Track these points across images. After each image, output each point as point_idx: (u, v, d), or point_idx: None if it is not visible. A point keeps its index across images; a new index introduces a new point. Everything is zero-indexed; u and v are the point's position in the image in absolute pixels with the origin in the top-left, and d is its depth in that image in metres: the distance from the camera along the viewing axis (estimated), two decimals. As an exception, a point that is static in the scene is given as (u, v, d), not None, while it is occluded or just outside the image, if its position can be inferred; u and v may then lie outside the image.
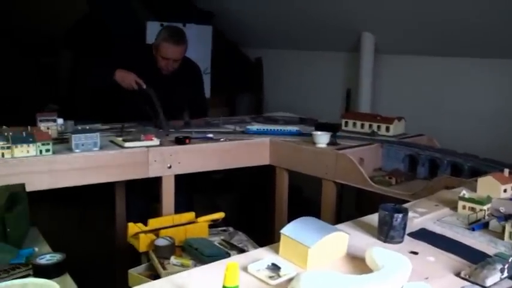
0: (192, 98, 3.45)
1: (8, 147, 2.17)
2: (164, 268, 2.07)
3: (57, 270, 1.63)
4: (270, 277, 1.22)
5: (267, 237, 2.83)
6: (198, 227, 2.41)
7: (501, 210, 1.68)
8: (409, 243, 1.45)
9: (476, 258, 1.31)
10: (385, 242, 1.44)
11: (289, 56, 4.87)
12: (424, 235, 1.51)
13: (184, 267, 2.03)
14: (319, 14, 4.05)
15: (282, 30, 4.63)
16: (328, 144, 2.69)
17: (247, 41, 5.20)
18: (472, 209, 1.66)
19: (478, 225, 1.57)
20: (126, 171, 2.46)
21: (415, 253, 1.38)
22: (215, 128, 3.15)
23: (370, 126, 3.02)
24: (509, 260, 1.24)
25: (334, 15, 3.97)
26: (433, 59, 3.68)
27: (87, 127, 2.56)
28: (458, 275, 1.25)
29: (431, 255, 1.37)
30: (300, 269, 1.25)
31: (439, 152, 2.58)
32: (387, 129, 2.97)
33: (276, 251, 1.35)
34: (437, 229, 1.57)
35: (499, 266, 1.22)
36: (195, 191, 3.56)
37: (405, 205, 1.72)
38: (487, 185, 1.81)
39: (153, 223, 2.38)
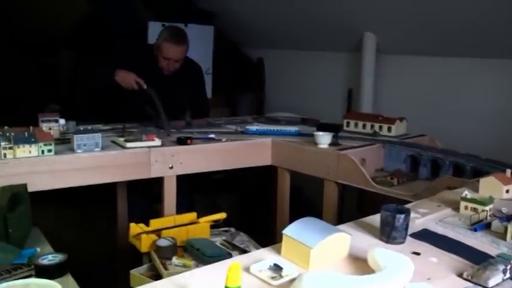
0: (194, 98, 3.45)
1: (10, 148, 2.17)
2: (166, 268, 2.07)
3: (59, 270, 1.63)
4: (272, 277, 1.22)
5: (269, 237, 2.82)
6: (200, 227, 2.41)
7: (503, 211, 1.68)
8: (411, 243, 1.45)
9: (479, 259, 1.31)
10: (387, 242, 1.44)
11: (291, 56, 4.87)
12: (426, 236, 1.51)
13: (186, 267, 2.03)
14: (321, 14, 4.05)
15: (283, 30, 4.63)
16: (330, 144, 2.69)
17: (249, 41, 5.20)
18: (474, 209, 1.66)
19: (480, 225, 1.57)
20: (127, 172, 2.46)
21: (417, 254, 1.38)
22: (217, 128, 3.15)
23: (372, 126, 3.02)
24: (512, 261, 1.24)
25: (335, 15, 3.97)
26: (435, 59, 3.67)
27: (89, 127, 2.56)
28: (460, 275, 1.25)
29: (433, 255, 1.37)
30: (302, 270, 1.25)
31: (441, 153, 2.58)
32: (389, 129, 2.97)
33: (278, 252, 1.35)
34: (440, 230, 1.57)
35: (501, 267, 1.22)
36: (196, 191, 3.56)
37: (407, 206, 1.72)
38: (489, 185, 1.81)
39: (155, 223, 2.39)
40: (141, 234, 2.29)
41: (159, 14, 4.80)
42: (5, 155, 2.16)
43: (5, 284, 1.27)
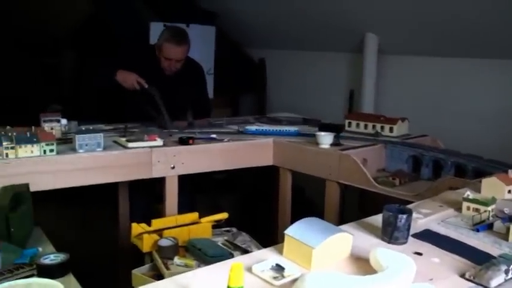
0: (196, 99, 3.45)
1: (12, 148, 2.17)
2: (168, 268, 2.07)
3: (61, 270, 1.63)
4: (274, 278, 1.22)
5: (270, 237, 2.83)
6: (202, 227, 2.41)
7: (505, 211, 1.68)
8: (413, 244, 1.45)
9: (481, 260, 1.31)
10: (389, 242, 1.44)
11: (293, 56, 4.87)
12: (428, 236, 1.51)
13: (188, 267, 2.03)
14: (323, 14, 4.05)
15: (285, 30, 4.63)
16: (332, 144, 2.69)
17: (251, 42, 5.20)
18: (477, 210, 1.66)
19: (483, 226, 1.57)
20: (129, 172, 2.46)
21: (420, 254, 1.38)
22: (218, 128, 3.15)
23: (374, 126, 3.02)
24: (514, 261, 1.24)
25: (337, 16, 3.97)
26: (437, 59, 3.67)
27: (91, 127, 2.57)
28: (462, 276, 1.25)
29: (435, 256, 1.37)
30: (304, 270, 1.25)
31: (442, 153, 2.58)
32: (391, 129, 2.96)
33: (280, 252, 1.35)
34: (442, 230, 1.57)
35: (504, 267, 1.22)
36: (197, 191, 3.56)
37: (409, 206, 1.72)
38: (491, 186, 1.81)
39: (157, 223, 2.39)
40: (143, 234, 2.29)
41: (161, 14, 4.80)
42: (7, 154, 2.16)
43: (7, 284, 1.27)
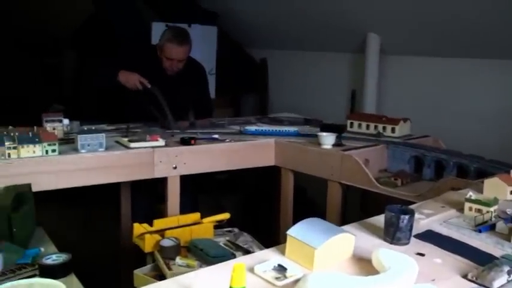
0: (197, 99, 3.45)
1: (15, 148, 2.17)
2: (169, 269, 2.07)
3: (63, 270, 1.63)
4: (277, 278, 1.22)
5: (272, 238, 2.83)
6: (203, 227, 2.41)
7: (508, 212, 1.68)
8: (415, 244, 1.45)
9: (483, 260, 1.31)
10: (391, 243, 1.43)
11: (294, 56, 4.87)
12: (430, 237, 1.51)
13: (190, 267, 2.03)
14: (325, 14, 4.05)
15: (287, 30, 4.63)
16: (334, 145, 2.69)
17: (252, 42, 5.20)
18: (479, 210, 1.66)
19: (485, 227, 1.57)
20: (131, 172, 2.46)
21: (422, 255, 1.38)
22: (220, 128, 3.15)
23: (376, 127, 3.02)
24: (517, 262, 1.24)
25: (339, 16, 3.96)
26: (439, 60, 3.67)
27: (93, 127, 2.57)
28: (465, 277, 1.25)
29: (437, 257, 1.37)
30: (306, 270, 1.25)
31: (444, 153, 2.58)
32: (393, 130, 2.96)
33: (282, 252, 1.35)
34: (444, 231, 1.57)
35: (506, 268, 1.22)
36: (199, 191, 3.56)
37: (411, 206, 1.72)
38: (493, 186, 1.81)
39: (159, 224, 2.39)
40: (145, 234, 2.29)
41: (163, 14, 4.81)
42: (9, 154, 2.16)
43: (9, 284, 1.28)
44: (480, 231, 1.54)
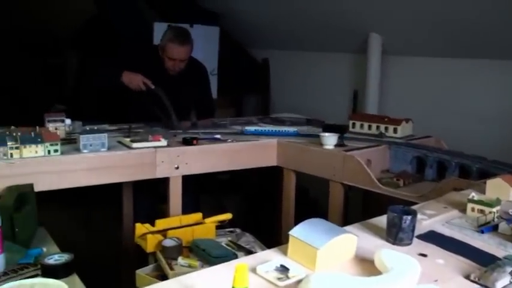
0: (199, 99, 3.45)
1: (17, 148, 2.17)
2: (172, 269, 2.07)
3: (66, 270, 1.63)
4: (279, 278, 1.21)
5: (274, 238, 2.83)
6: (206, 227, 2.41)
7: (510, 213, 1.67)
8: (417, 245, 1.44)
9: (486, 261, 1.31)
10: (393, 244, 1.43)
11: (296, 57, 4.87)
12: (432, 237, 1.51)
13: (192, 268, 2.03)
14: (327, 14, 4.05)
15: (289, 31, 4.63)
16: (336, 145, 2.69)
17: (254, 42, 5.20)
18: (481, 211, 1.65)
19: (487, 227, 1.57)
20: (133, 172, 2.46)
21: (424, 255, 1.37)
22: (222, 128, 3.15)
23: (378, 127, 3.01)
24: (519, 263, 1.23)
25: (341, 16, 3.96)
26: (441, 60, 3.67)
27: (95, 128, 2.57)
28: (467, 277, 1.24)
29: (440, 257, 1.37)
30: (308, 271, 1.25)
31: (447, 154, 2.57)
32: (395, 130, 2.96)
33: (285, 253, 1.35)
34: (446, 231, 1.57)
35: (509, 269, 1.21)
36: (201, 191, 3.56)
37: (413, 207, 1.71)
38: (496, 187, 1.80)
39: (161, 224, 2.39)
40: (147, 234, 2.29)
41: (165, 14, 4.81)
42: (11, 154, 2.16)
43: (11, 284, 1.28)
44: (483, 232, 1.54)
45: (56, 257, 1.68)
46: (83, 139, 2.33)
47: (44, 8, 5.46)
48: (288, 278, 1.22)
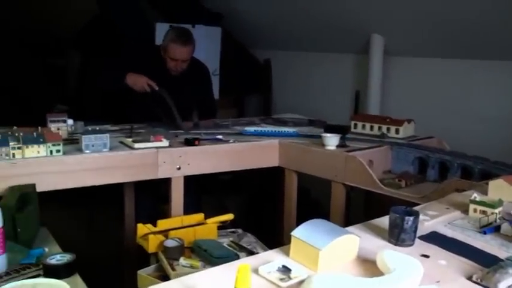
0: (201, 99, 3.45)
1: (19, 148, 2.17)
2: (173, 269, 2.07)
3: (68, 270, 1.63)
4: (281, 279, 1.21)
5: (276, 238, 2.82)
6: (207, 228, 2.41)
7: (513, 214, 1.67)
8: (420, 246, 1.44)
9: (488, 262, 1.31)
10: (396, 245, 1.43)
11: (298, 57, 4.87)
12: (435, 238, 1.50)
13: (194, 268, 2.03)
14: (329, 15, 4.05)
15: (290, 31, 4.63)
16: (338, 146, 2.69)
17: (256, 43, 5.20)
18: (483, 212, 1.65)
19: (490, 228, 1.57)
20: (135, 172, 2.46)
21: (426, 256, 1.37)
22: (224, 129, 3.15)
23: (380, 128, 3.01)
24: (522, 264, 1.23)
25: (343, 17, 3.96)
26: (443, 61, 3.67)
27: (97, 128, 2.57)
28: (470, 278, 1.24)
29: (442, 258, 1.37)
30: (310, 272, 1.25)
31: (449, 155, 2.57)
32: (397, 131, 2.96)
33: (287, 253, 1.35)
34: (449, 232, 1.56)
35: (511, 270, 1.21)
36: (203, 192, 3.56)
37: (415, 208, 1.71)
38: (498, 188, 1.80)
39: (162, 224, 2.39)
40: (149, 234, 2.29)
41: (167, 15, 4.82)
42: (13, 155, 2.16)
43: (14, 284, 1.28)
44: (485, 233, 1.54)
45: (58, 257, 1.68)
46: (85, 139, 2.34)
47: (46, 8, 5.46)
48: (290, 278, 1.22)
